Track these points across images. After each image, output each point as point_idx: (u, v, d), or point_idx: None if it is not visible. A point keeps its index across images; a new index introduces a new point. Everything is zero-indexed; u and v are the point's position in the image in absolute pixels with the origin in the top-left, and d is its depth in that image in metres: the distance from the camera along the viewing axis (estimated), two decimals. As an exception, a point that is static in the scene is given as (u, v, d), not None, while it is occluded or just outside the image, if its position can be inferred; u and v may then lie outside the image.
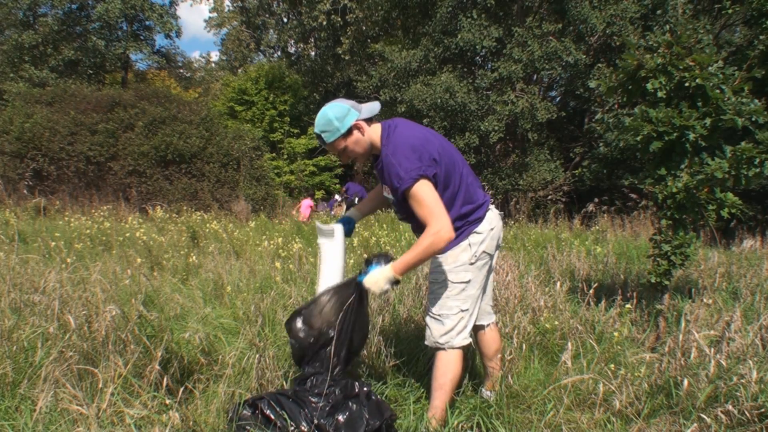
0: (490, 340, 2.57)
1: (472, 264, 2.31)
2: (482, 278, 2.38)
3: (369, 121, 2.29)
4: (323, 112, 2.24)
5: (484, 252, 2.34)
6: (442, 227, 2.09)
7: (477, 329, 2.58)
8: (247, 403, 2.22)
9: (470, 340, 2.37)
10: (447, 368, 2.31)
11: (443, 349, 2.32)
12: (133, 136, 12.58)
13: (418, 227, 2.25)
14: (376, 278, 2.20)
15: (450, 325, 2.31)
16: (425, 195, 2.12)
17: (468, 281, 2.31)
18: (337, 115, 2.21)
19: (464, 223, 2.31)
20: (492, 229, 2.37)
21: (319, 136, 2.26)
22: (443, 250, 2.28)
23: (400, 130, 2.24)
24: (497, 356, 2.60)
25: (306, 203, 12.55)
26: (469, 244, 2.31)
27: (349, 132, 2.22)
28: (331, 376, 2.27)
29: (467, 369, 2.77)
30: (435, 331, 2.33)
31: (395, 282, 2.21)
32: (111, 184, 12.22)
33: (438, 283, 2.34)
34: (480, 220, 2.34)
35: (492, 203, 2.48)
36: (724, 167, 3.26)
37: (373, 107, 2.30)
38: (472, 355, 3.03)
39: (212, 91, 25.96)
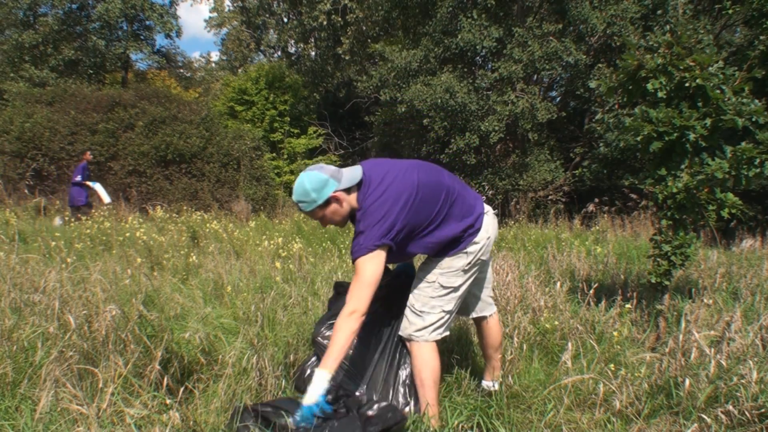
0: (494, 331, 2.60)
1: (465, 271, 2.35)
2: (471, 281, 2.41)
3: (348, 190, 2.24)
4: (300, 180, 2.21)
5: (480, 259, 2.38)
6: (358, 309, 2.10)
7: (480, 321, 2.61)
8: (249, 409, 2.20)
9: (444, 335, 2.39)
10: (423, 363, 2.33)
11: (416, 341, 2.34)
12: (133, 135, 12.59)
13: (426, 250, 2.34)
14: (311, 392, 2.06)
15: (429, 321, 2.33)
16: (365, 272, 2.12)
17: (457, 286, 2.35)
18: (314, 186, 2.18)
19: (465, 234, 2.34)
20: (489, 237, 2.40)
21: (297, 204, 2.27)
22: (437, 259, 2.34)
23: (373, 193, 2.19)
24: (501, 348, 2.64)
25: None
26: (466, 253, 2.34)
27: (327, 203, 2.21)
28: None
29: (467, 367, 2.77)
30: (412, 325, 2.35)
31: (332, 379, 2.11)
32: (111, 183, 12.21)
33: (427, 282, 2.36)
34: (478, 230, 2.36)
35: (485, 202, 2.50)
36: (724, 167, 3.26)
37: (353, 175, 2.24)
38: (472, 353, 3.03)
39: (212, 91, 25.90)
